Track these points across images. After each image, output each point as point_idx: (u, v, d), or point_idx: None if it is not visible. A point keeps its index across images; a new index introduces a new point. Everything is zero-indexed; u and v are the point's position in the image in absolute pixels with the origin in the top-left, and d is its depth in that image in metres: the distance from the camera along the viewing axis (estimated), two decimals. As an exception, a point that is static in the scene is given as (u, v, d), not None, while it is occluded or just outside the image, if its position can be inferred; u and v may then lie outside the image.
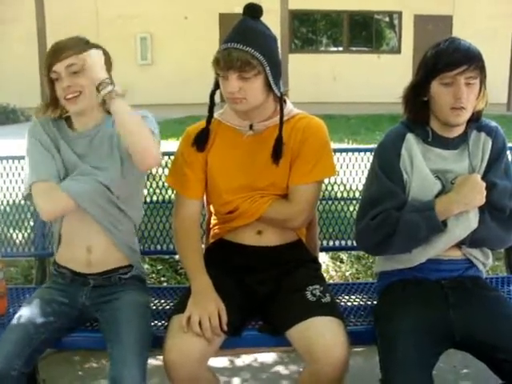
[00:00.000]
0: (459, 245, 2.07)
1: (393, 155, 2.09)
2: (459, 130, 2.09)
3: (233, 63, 2.00)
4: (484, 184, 1.97)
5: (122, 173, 2.12)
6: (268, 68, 2.05)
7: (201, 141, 2.20)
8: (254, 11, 2.11)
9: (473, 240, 2.03)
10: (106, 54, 2.17)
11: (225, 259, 2.23)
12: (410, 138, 2.10)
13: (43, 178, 2.10)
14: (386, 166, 2.09)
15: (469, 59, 1.97)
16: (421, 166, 2.05)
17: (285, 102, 2.21)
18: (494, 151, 2.08)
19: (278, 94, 2.13)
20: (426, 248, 2.05)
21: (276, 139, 2.13)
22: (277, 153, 2.13)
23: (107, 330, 2.08)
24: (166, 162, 2.86)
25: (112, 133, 2.12)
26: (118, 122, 2.00)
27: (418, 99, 2.07)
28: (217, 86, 2.17)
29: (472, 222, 1.99)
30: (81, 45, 2.12)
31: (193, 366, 1.96)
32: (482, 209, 2.00)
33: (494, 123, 2.13)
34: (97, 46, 2.16)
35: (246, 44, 2.01)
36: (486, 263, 2.17)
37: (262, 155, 2.18)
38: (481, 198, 1.96)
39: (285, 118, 2.17)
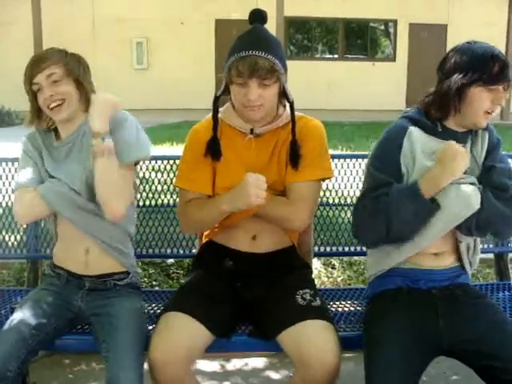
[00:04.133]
0: (464, 231, 2.06)
1: (393, 148, 2.08)
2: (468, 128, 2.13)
3: (258, 71, 2.01)
4: (464, 149, 1.98)
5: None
6: (283, 75, 2.08)
7: (215, 150, 2.20)
8: (261, 17, 2.13)
9: (479, 221, 2.00)
10: (82, 61, 2.20)
11: (216, 263, 2.24)
12: (413, 131, 2.10)
13: (23, 185, 2.15)
14: (383, 159, 2.08)
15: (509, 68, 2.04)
16: (421, 160, 2.05)
17: (284, 105, 2.23)
18: (490, 143, 2.13)
19: (291, 100, 2.17)
20: (427, 229, 2.03)
21: (290, 144, 2.16)
22: (293, 157, 2.16)
23: (103, 334, 2.07)
24: (160, 167, 2.88)
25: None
26: (96, 176, 2.03)
27: (454, 99, 2.05)
28: (223, 92, 2.17)
29: (472, 200, 1.98)
30: (59, 55, 2.15)
31: (178, 366, 1.96)
32: (484, 189, 2.01)
33: None
34: (77, 56, 2.20)
35: (268, 52, 2.03)
36: (473, 261, 2.18)
37: (261, 157, 2.20)
38: (464, 164, 1.97)
39: (284, 122, 2.20)
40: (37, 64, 2.12)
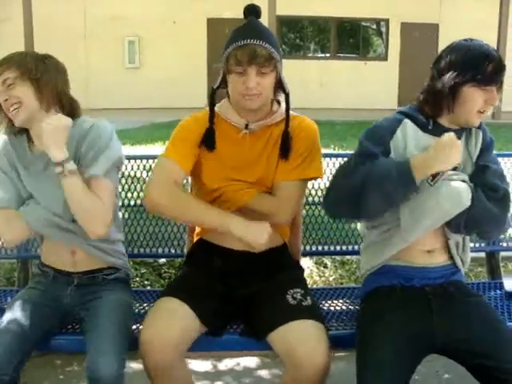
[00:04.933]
0: (453, 229, 2.06)
1: (387, 132, 2.09)
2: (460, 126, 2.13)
3: (257, 59, 2.04)
4: (460, 142, 1.98)
5: None
6: (279, 64, 2.12)
7: (210, 141, 2.20)
8: (255, 12, 2.17)
9: (468, 219, 2.00)
10: (47, 61, 2.17)
11: (207, 262, 2.23)
12: (408, 123, 2.10)
13: (2, 205, 2.13)
14: (375, 138, 2.08)
15: (504, 69, 2.05)
16: (412, 151, 2.05)
17: (278, 103, 2.25)
18: (484, 142, 2.13)
19: (287, 91, 2.19)
20: (415, 224, 2.02)
21: (283, 135, 2.18)
22: (284, 149, 2.18)
23: (88, 325, 2.08)
24: (151, 166, 2.86)
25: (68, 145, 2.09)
26: (66, 197, 2.04)
27: (447, 98, 2.04)
28: (219, 84, 2.19)
29: (463, 197, 1.98)
30: (16, 58, 2.13)
31: (168, 350, 1.95)
32: (475, 188, 2.01)
33: None
34: (40, 57, 2.16)
35: (265, 41, 2.07)
36: (464, 259, 2.18)
37: (254, 153, 2.21)
38: (457, 158, 1.96)
39: (278, 119, 2.22)
40: None
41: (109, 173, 2.12)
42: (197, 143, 2.20)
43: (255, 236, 2.03)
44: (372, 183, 1.95)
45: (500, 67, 2.02)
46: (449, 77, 2.02)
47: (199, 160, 2.22)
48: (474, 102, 2.02)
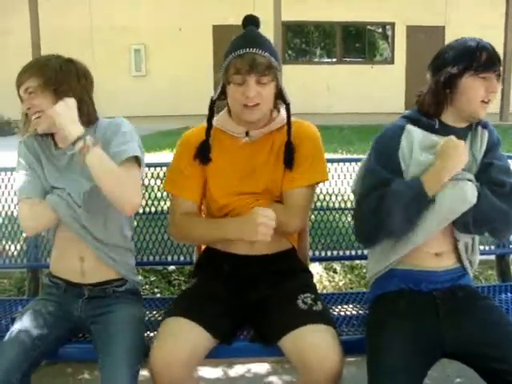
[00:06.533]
0: (461, 228, 2.05)
1: (392, 146, 2.10)
2: (467, 123, 2.13)
3: (257, 67, 2.03)
4: (463, 143, 2.00)
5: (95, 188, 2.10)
6: (279, 74, 2.11)
7: (204, 154, 2.21)
8: (254, 21, 2.17)
9: (476, 217, 1.99)
10: (81, 71, 2.19)
11: (216, 269, 2.23)
12: (410, 128, 2.11)
13: (27, 195, 2.14)
14: (383, 157, 2.10)
15: (499, 58, 2.07)
16: (417, 156, 2.06)
17: (278, 110, 2.24)
18: (490, 141, 2.13)
19: (288, 102, 2.19)
20: (421, 224, 2.02)
21: (285, 146, 2.17)
22: (288, 159, 2.17)
23: (99, 342, 2.08)
24: (159, 174, 2.87)
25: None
26: (92, 174, 2.01)
27: (444, 92, 2.07)
28: (219, 96, 2.19)
29: (469, 194, 1.97)
30: (37, 66, 2.14)
31: (178, 369, 1.95)
32: (481, 185, 2.01)
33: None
34: (68, 63, 2.18)
35: (264, 50, 2.07)
36: (473, 261, 2.17)
37: (257, 161, 2.20)
38: (465, 157, 1.99)
39: (278, 125, 2.21)
40: (19, 77, 2.15)
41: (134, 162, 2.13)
42: (194, 160, 2.22)
43: (250, 234, 2.02)
44: (390, 210, 1.98)
45: (494, 56, 2.04)
46: (444, 71, 2.05)
47: (206, 178, 2.24)
48: (475, 90, 2.04)
